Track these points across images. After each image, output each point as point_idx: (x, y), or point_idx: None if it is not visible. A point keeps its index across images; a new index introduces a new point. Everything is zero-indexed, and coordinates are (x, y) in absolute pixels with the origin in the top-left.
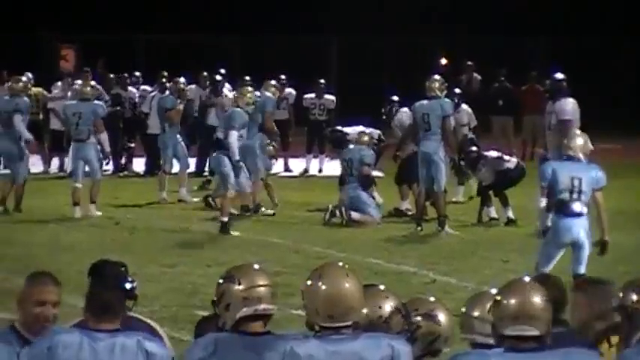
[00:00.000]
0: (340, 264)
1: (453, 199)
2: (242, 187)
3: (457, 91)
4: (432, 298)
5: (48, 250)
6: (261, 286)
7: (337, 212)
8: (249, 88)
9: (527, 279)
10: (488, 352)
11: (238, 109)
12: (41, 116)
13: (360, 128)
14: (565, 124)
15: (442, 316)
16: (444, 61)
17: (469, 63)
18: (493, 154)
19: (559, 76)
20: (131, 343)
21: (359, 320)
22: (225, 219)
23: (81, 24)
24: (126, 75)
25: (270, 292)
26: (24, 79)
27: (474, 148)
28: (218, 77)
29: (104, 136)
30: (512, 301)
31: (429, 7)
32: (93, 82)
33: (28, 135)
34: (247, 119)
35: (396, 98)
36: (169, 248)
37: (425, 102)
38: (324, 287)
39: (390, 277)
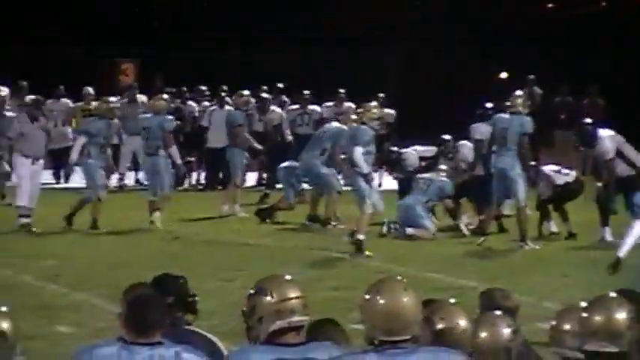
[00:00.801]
0: (398, 278)
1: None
2: (378, 205)
3: (488, 105)
4: (497, 312)
5: (107, 265)
6: (294, 298)
7: (392, 227)
8: (374, 103)
9: (614, 294)
10: None
11: (363, 126)
12: None
13: (417, 147)
14: (611, 162)
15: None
16: (504, 74)
17: (530, 77)
18: (552, 167)
19: (586, 120)
20: (169, 355)
21: (417, 334)
22: (362, 237)
23: (140, 40)
24: (185, 89)
25: (302, 303)
26: (113, 99)
27: (533, 163)
28: (264, 95)
29: (174, 150)
30: (596, 317)
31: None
32: (165, 96)
33: (74, 156)
34: (372, 135)
35: (448, 137)
36: (228, 263)
37: (506, 116)
38: (382, 301)
39: (449, 292)
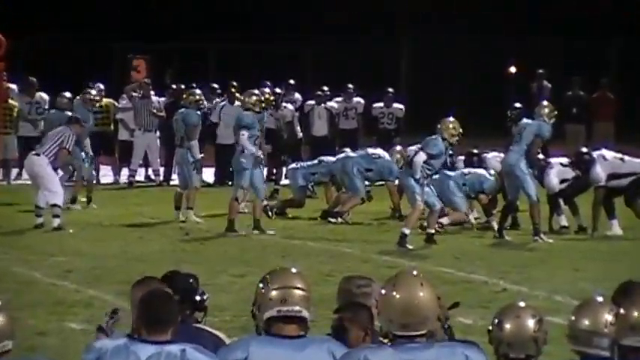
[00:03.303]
0: (415, 273)
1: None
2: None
3: (517, 105)
4: (521, 304)
5: (118, 260)
6: (291, 287)
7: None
8: (452, 119)
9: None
10: None
11: (436, 138)
12: (112, 127)
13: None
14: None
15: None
16: (513, 69)
17: (540, 71)
18: (563, 161)
19: None
20: (175, 353)
21: (433, 329)
22: (432, 231)
23: (153, 35)
24: (194, 85)
25: (303, 296)
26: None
27: (542, 157)
28: (278, 90)
29: (194, 143)
30: (634, 312)
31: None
32: (199, 91)
33: (249, 147)
34: (442, 149)
35: (475, 151)
36: (239, 258)
37: (530, 121)
38: (398, 296)
39: (460, 285)
